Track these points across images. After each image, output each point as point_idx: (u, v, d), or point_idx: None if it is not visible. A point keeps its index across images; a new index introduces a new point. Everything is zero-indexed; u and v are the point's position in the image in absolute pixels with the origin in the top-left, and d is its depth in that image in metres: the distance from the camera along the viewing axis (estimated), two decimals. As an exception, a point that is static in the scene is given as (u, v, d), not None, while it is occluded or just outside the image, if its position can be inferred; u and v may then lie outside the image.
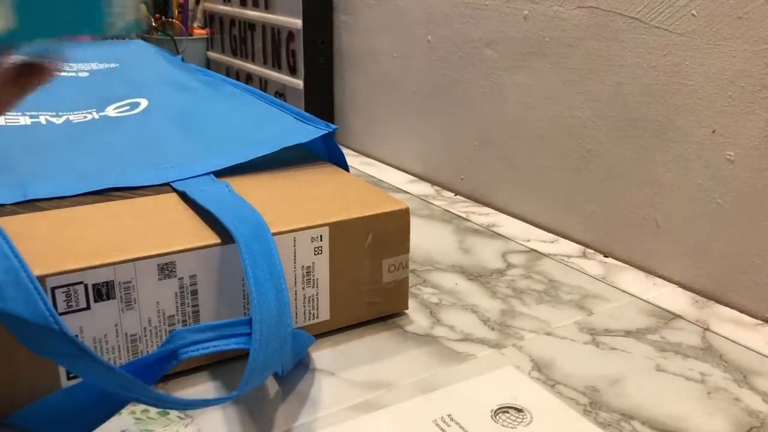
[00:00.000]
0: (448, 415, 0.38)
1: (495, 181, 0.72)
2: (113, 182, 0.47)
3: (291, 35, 0.94)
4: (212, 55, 1.19)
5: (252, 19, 1.04)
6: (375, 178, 0.81)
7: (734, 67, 0.49)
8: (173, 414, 0.38)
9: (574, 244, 0.63)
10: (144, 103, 0.61)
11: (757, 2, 0.47)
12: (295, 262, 0.42)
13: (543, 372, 0.43)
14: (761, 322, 0.50)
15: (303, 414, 0.38)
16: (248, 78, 1.08)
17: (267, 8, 0.99)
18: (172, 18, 1.22)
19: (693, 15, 0.51)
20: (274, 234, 0.40)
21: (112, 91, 0.65)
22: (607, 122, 0.59)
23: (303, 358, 0.43)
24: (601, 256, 0.60)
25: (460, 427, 0.37)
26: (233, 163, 0.50)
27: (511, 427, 0.37)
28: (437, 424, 0.37)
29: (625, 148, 0.58)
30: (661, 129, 0.55)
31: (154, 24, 1.21)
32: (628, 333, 0.47)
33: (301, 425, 0.37)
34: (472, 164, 0.75)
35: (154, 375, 0.34)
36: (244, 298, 0.41)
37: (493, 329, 0.47)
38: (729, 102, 0.50)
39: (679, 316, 0.50)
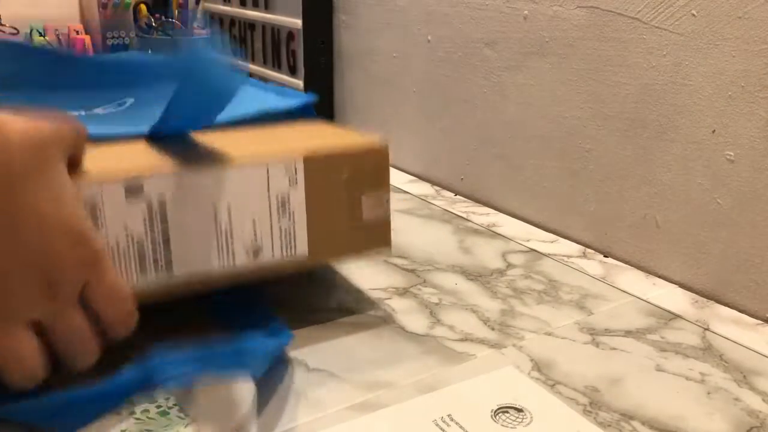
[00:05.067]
0: (448, 415, 0.38)
1: (495, 181, 0.72)
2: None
3: (291, 35, 0.94)
4: (212, 55, 1.19)
5: (252, 19, 1.04)
6: (375, 178, 0.81)
7: (734, 67, 0.49)
8: (173, 414, 0.38)
9: (574, 244, 0.63)
10: (130, 101, 0.62)
11: (757, 2, 0.47)
12: (269, 192, 0.42)
13: (543, 372, 0.43)
14: (761, 322, 0.50)
15: (303, 414, 0.38)
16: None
17: (267, 8, 0.99)
18: (172, 18, 1.22)
19: (693, 15, 0.51)
20: (246, 164, 0.41)
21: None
22: (607, 122, 0.59)
23: (299, 358, 0.43)
24: (601, 256, 0.60)
25: (460, 427, 0.37)
26: (209, 124, 0.50)
27: (511, 427, 0.37)
28: (437, 424, 0.37)
29: (625, 148, 0.58)
30: (661, 129, 0.55)
31: (154, 24, 1.21)
32: (628, 333, 0.47)
33: (301, 425, 0.37)
34: (472, 164, 0.75)
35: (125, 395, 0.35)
36: (216, 225, 0.41)
37: (493, 329, 0.47)
38: (729, 102, 0.50)
39: (679, 316, 0.50)
